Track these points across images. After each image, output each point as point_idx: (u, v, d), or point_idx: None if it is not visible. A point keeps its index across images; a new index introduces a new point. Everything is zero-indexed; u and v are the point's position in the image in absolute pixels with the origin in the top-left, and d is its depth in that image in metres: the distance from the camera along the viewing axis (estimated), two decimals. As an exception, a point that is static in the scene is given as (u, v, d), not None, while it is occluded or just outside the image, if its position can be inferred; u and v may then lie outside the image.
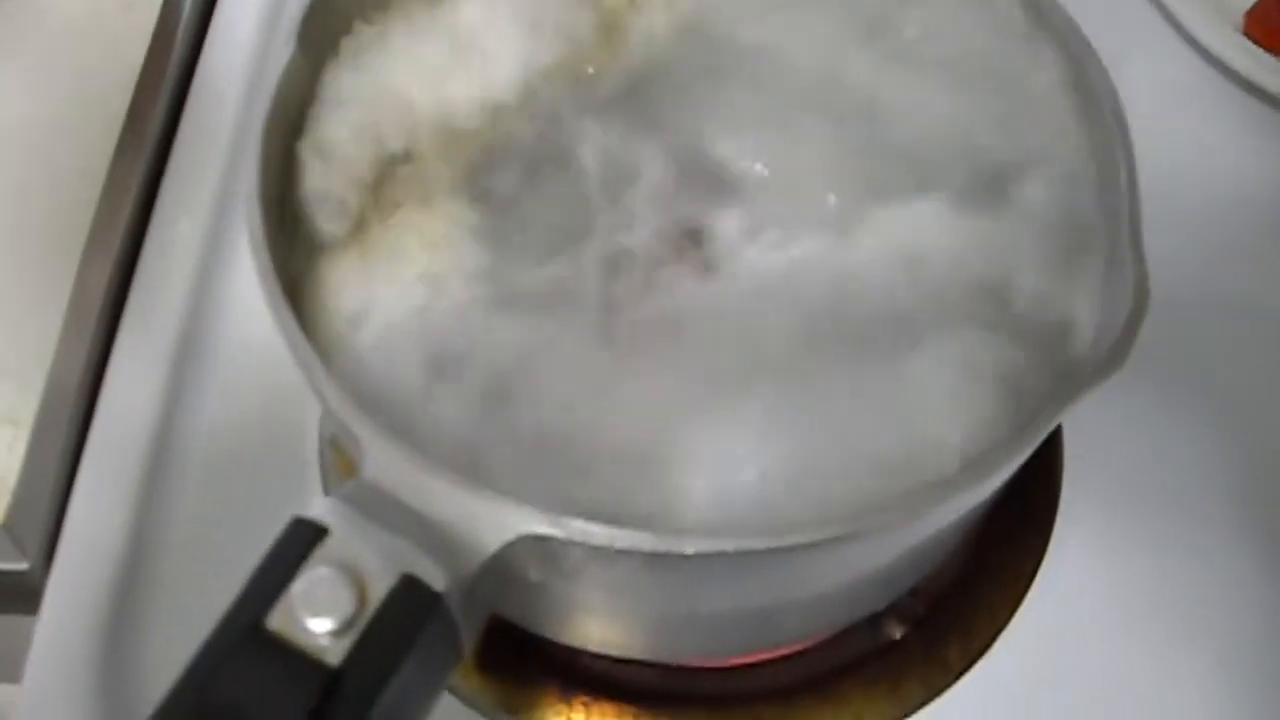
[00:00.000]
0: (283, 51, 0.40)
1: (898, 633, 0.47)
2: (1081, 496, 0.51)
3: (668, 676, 0.46)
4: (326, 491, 0.50)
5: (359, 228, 0.40)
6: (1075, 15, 0.43)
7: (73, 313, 0.54)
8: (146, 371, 0.53)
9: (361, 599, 0.30)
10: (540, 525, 0.32)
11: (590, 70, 0.43)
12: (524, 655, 0.46)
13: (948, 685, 0.47)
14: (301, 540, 0.31)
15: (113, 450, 0.51)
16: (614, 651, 0.43)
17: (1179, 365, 0.53)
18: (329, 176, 0.40)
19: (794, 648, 0.46)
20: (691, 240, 0.40)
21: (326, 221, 0.40)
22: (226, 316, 0.56)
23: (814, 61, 0.43)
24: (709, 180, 0.41)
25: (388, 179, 0.41)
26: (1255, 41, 0.62)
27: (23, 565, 0.49)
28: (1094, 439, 0.51)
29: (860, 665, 0.47)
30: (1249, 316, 0.56)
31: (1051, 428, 0.36)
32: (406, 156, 0.42)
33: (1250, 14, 0.63)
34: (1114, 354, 0.35)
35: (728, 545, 0.32)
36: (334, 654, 0.30)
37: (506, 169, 0.41)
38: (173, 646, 0.46)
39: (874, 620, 0.47)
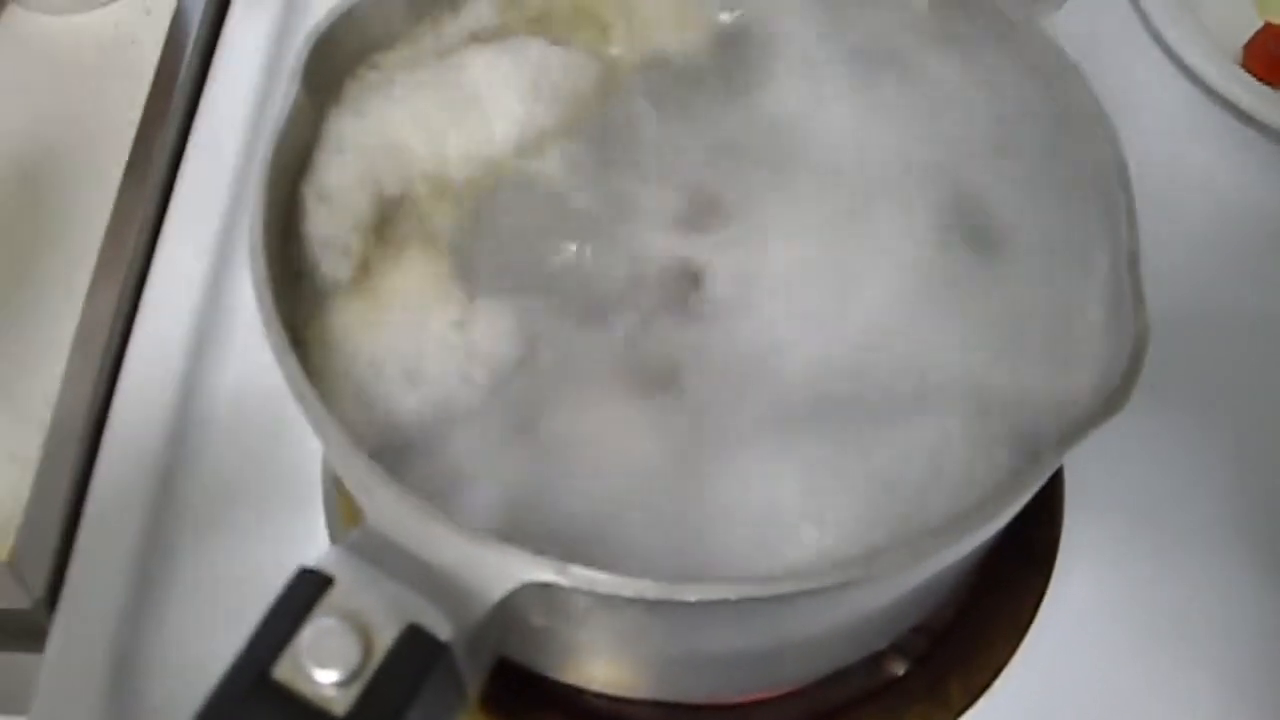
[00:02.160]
0: (286, 90, 0.41)
1: (899, 670, 0.48)
2: (1083, 530, 0.51)
3: (670, 715, 0.46)
4: (331, 529, 0.50)
5: (363, 272, 0.40)
6: (1073, 51, 0.43)
7: (77, 349, 0.54)
8: (152, 407, 0.54)
9: (367, 649, 0.30)
10: (544, 573, 0.32)
11: (586, 121, 0.43)
12: (526, 693, 0.46)
13: (950, 722, 0.47)
14: (307, 590, 0.31)
15: (118, 488, 0.52)
16: (617, 691, 0.43)
17: (1182, 393, 0.53)
18: (332, 221, 0.41)
19: (796, 686, 0.46)
20: (691, 283, 0.40)
21: (331, 267, 0.40)
22: (231, 349, 0.56)
23: (811, 103, 0.44)
24: (706, 223, 0.41)
25: (388, 224, 0.41)
26: (1253, 74, 0.62)
27: (25, 604, 0.49)
28: (1095, 470, 0.51)
29: (862, 703, 0.47)
30: (1249, 342, 0.56)
31: (1052, 470, 0.36)
32: (404, 202, 0.42)
33: (1248, 47, 0.64)
34: (1115, 396, 0.35)
35: (730, 593, 0.32)
36: (340, 704, 0.30)
37: (505, 217, 0.42)
38: (178, 684, 0.48)
39: (876, 657, 0.47)
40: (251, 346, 0.55)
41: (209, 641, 0.43)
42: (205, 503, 0.52)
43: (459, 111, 0.42)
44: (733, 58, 0.45)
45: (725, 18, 0.46)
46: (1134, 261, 0.38)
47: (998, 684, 0.48)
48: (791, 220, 0.41)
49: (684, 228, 0.41)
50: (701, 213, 0.42)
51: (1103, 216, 0.40)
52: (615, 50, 0.45)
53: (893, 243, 0.41)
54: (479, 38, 0.45)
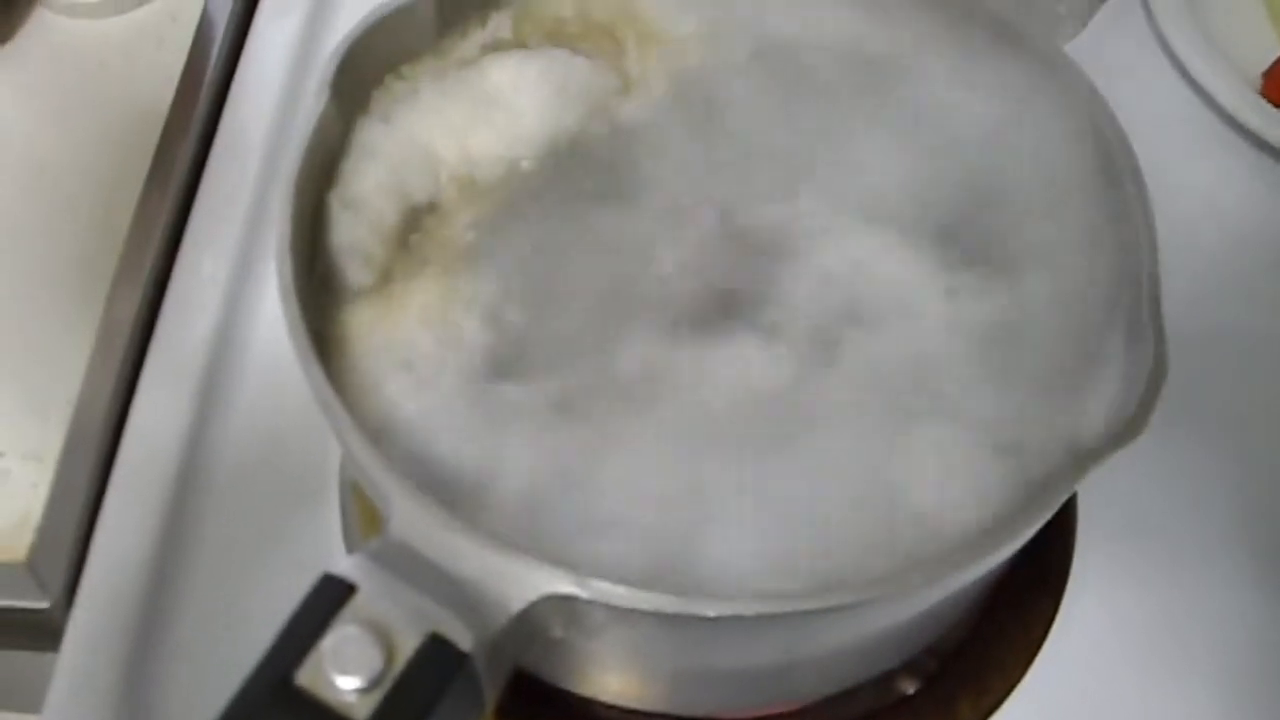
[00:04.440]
0: (313, 99, 0.41)
1: (910, 688, 0.48)
2: (1095, 553, 0.51)
3: (681, 728, 0.47)
4: (346, 535, 0.51)
5: (385, 280, 0.40)
6: (1092, 76, 0.43)
7: (98, 351, 0.54)
8: (171, 410, 0.54)
9: (389, 657, 0.30)
10: (565, 585, 0.32)
11: (611, 131, 0.44)
12: (539, 704, 0.46)
13: (959, 742, 0.47)
14: (330, 597, 0.31)
15: (137, 489, 0.52)
16: (631, 704, 0.44)
17: (1196, 412, 0.53)
18: (357, 229, 0.41)
19: (807, 703, 0.46)
20: (718, 305, 0.40)
21: (355, 274, 0.40)
22: (251, 355, 0.56)
23: (830, 124, 0.44)
24: (735, 243, 0.42)
25: (413, 230, 0.42)
26: (1272, 102, 0.62)
27: (44, 604, 0.50)
28: (1108, 489, 0.51)
29: (872, 720, 0.47)
30: (1264, 368, 0.57)
31: (1066, 496, 0.36)
32: (431, 209, 0.42)
33: (1268, 75, 0.64)
34: (1131, 425, 0.35)
35: (748, 609, 0.32)
36: (361, 711, 0.30)
37: (530, 228, 0.42)
38: (194, 685, 0.48)
39: (886, 676, 0.47)
40: (271, 352, 0.56)
41: (223, 645, 0.43)
42: (222, 507, 0.52)
43: (486, 114, 0.43)
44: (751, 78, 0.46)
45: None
46: (1154, 291, 0.38)
47: (1008, 704, 0.48)
48: (803, 239, 0.42)
49: (713, 244, 0.42)
50: (730, 230, 0.42)
51: (1122, 243, 0.40)
52: (631, 64, 0.45)
53: (903, 267, 0.41)
54: (500, 48, 0.45)
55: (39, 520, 0.50)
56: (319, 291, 0.40)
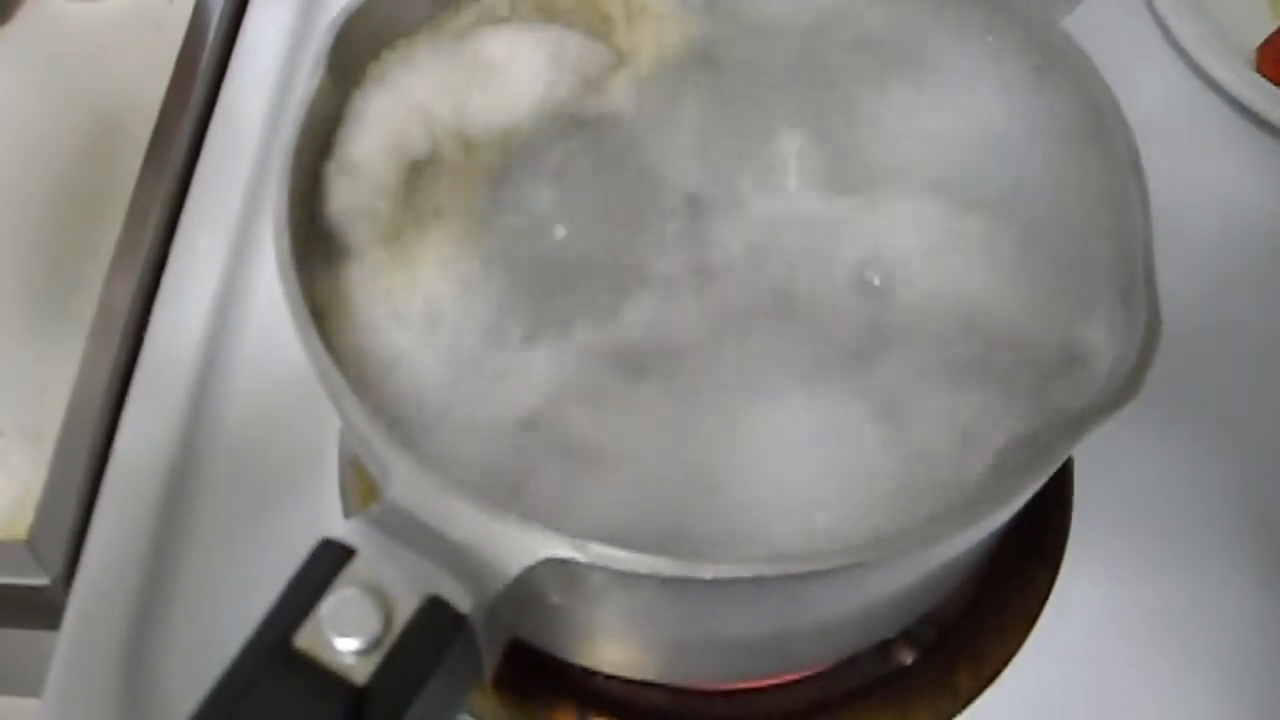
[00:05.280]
0: (309, 77, 0.41)
1: (908, 658, 0.48)
2: (1092, 523, 0.51)
3: (681, 699, 0.47)
4: (346, 512, 0.51)
5: (391, 236, 0.40)
6: (1088, 50, 0.43)
7: (96, 330, 0.55)
8: (169, 388, 0.54)
9: (388, 619, 0.31)
10: (562, 549, 0.32)
11: (605, 100, 0.44)
12: (540, 676, 0.46)
13: (957, 712, 0.47)
14: (329, 561, 0.31)
15: (135, 466, 0.52)
16: (630, 673, 0.44)
17: (1191, 393, 0.54)
18: (355, 191, 0.41)
19: (806, 672, 0.47)
20: (704, 270, 0.41)
21: (355, 234, 0.40)
22: (248, 333, 0.57)
23: (823, 94, 0.44)
24: (720, 201, 0.42)
25: (416, 182, 0.42)
26: (1267, 77, 0.62)
27: (44, 580, 0.50)
28: (1105, 465, 0.51)
29: (870, 691, 0.47)
30: (1258, 345, 0.57)
31: (1061, 460, 0.36)
32: (429, 166, 0.42)
33: (1262, 49, 0.64)
34: (1125, 389, 0.35)
35: (745, 571, 0.32)
36: (360, 673, 0.30)
37: (528, 191, 0.42)
38: (194, 661, 0.48)
39: (885, 645, 0.47)
40: (269, 329, 0.56)
41: (224, 621, 0.43)
42: (221, 484, 0.52)
43: (482, 80, 0.43)
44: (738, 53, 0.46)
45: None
46: (1148, 258, 0.38)
47: (1006, 673, 0.48)
48: (807, 200, 0.42)
49: (702, 208, 0.42)
50: (720, 195, 0.42)
51: (1116, 209, 0.41)
52: (622, 39, 0.45)
53: (899, 234, 0.41)
54: (494, 22, 0.45)
55: (39, 498, 0.50)
56: (320, 260, 0.40)
